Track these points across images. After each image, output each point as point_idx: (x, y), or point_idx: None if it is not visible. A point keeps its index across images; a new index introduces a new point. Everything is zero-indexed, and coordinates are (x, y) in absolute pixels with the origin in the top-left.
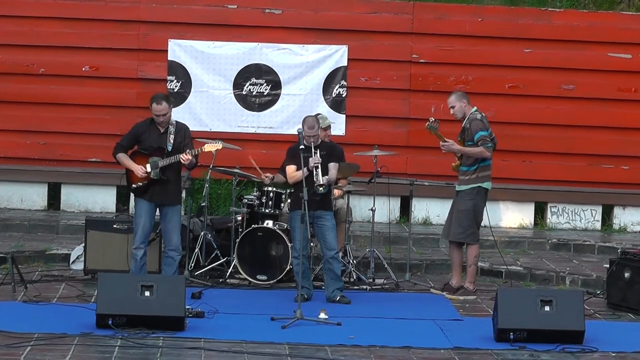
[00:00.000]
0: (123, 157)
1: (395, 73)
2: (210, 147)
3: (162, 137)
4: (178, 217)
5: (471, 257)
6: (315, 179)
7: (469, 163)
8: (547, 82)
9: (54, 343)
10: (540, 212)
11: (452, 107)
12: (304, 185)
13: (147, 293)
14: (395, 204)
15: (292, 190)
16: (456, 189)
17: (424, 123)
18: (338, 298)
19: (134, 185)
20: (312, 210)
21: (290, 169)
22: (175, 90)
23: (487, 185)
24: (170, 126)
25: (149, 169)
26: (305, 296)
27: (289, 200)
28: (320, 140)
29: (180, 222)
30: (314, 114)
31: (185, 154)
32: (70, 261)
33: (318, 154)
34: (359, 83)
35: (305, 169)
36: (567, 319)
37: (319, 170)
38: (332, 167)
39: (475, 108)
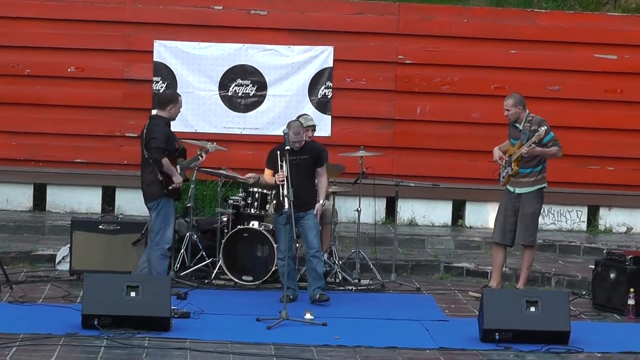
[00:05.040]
0: (169, 164)
1: (380, 74)
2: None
3: (174, 137)
4: None
5: (531, 260)
6: (281, 197)
7: (533, 165)
8: (533, 83)
9: (39, 343)
10: None
11: (507, 110)
12: (290, 186)
13: (132, 294)
14: (381, 204)
15: (276, 193)
16: (516, 192)
17: (410, 124)
18: (318, 296)
19: (170, 187)
20: (295, 212)
21: (267, 172)
22: (161, 91)
23: (546, 185)
24: None
25: (179, 171)
26: (291, 297)
27: (274, 202)
28: (304, 142)
29: None
30: (299, 115)
31: (202, 153)
32: (56, 262)
33: (286, 169)
34: (344, 84)
35: (277, 178)
36: (552, 320)
37: (286, 186)
38: (323, 175)
39: (528, 112)
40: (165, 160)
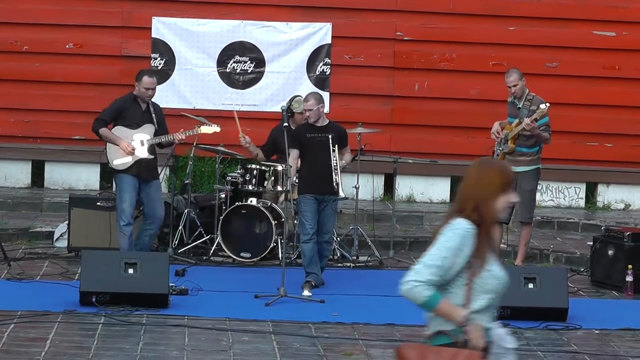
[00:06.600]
0: (107, 132)
1: (379, 51)
2: (207, 129)
3: (145, 114)
4: (160, 190)
5: (529, 237)
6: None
7: (530, 144)
8: (531, 59)
9: (37, 320)
10: None
11: (515, 85)
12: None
13: (130, 270)
14: (379, 181)
15: (299, 171)
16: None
17: (408, 100)
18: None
19: (116, 162)
20: (323, 194)
21: (294, 154)
22: (159, 67)
23: (540, 166)
24: (149, 104)
25: (135, 146)
26: (313, 283)
27: (272, 178)
28: (327, 120)
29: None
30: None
31: (179, 134)
32: (54, 239)
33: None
34: (343, 61)
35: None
36: (550, 297)
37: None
38: (348, 152)
39: (528, 90)
40: (103, 130)
